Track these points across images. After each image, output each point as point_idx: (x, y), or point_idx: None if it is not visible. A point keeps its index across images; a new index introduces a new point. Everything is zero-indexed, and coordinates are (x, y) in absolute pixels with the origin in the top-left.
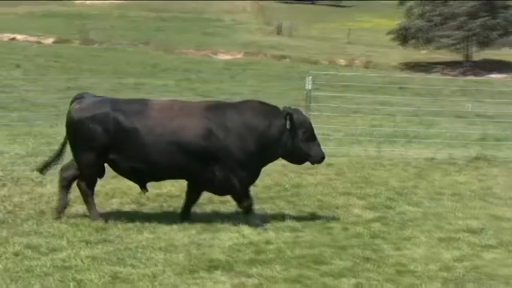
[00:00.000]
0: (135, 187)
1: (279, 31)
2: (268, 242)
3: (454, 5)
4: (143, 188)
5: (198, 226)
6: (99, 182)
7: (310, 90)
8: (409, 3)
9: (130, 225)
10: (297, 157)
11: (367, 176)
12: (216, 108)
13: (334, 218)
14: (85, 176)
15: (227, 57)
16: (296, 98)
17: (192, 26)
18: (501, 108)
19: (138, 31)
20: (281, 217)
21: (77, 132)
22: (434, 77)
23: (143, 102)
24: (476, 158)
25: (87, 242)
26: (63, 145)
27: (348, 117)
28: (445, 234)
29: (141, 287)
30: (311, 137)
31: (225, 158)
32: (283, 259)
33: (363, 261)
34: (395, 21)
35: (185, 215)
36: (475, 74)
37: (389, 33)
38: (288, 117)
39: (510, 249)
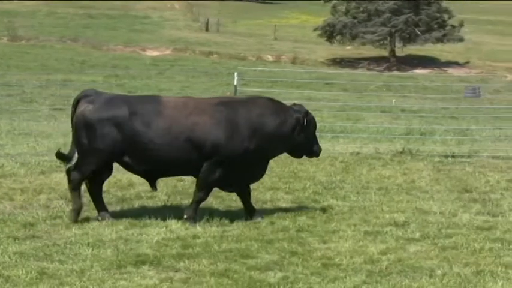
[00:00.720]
0: (64, 183)
1: (206, 28)
2: (195, 237)
3: (378, 2)
4: (153, 185)
5: (126, 221)
6: (27, 178)
7: (237, 86)
8: (333, 1)
9: (58, 221)
10: (300, 152)
11: (294, 171)
12: (228, 104)
13: (262, 213)
14: (84, 171)
15: (155, 53)
16: (224, 94)
17: (120, 23)
18: (425, 103)
19: (66, 28)
20: (209, 212)
21: (92, 132)
22: (360, 72)
23: (158, 100)
24: (401, 152)
25: (15, 238)
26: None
27: None
28: (371, 228)
29: (68, 283)
30: (314, 133)
31: (232, 153)
32: (211, 253)
33: (290, 255)
34: (322, 18)
35: None
36: (399, 70)
37: (315, 29)
38: (304, 116)
39: (434, 241)
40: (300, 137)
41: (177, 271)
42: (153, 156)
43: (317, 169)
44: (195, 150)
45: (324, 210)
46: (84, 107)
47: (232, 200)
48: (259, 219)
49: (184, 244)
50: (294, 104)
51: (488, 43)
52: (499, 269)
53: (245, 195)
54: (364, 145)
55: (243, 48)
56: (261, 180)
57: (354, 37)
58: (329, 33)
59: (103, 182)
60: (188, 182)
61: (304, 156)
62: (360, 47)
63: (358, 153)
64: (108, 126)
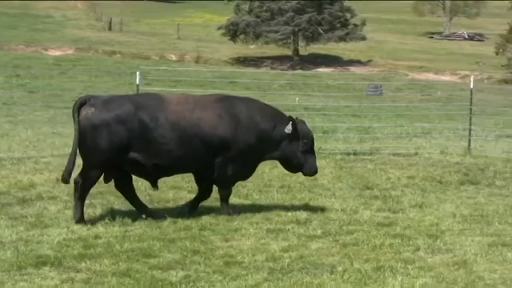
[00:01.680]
0: None
1: (109, 27)
2: (97, 237)
3: (281, 1)
4: (155, 185)
5: (27, 222)
6: None
7: (139, 85)
8: (237, 1)
9: None
10: (292, 165)
11: None
12: (227, 101)
13: (164, 212)
14: (91, 176)
15: (58, 53)
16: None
17: (21, 22)
18: (328, 101)
19: None
20: (111, 212)
21: (98, 134)
22: (264, 71)
23: (160, 98)
24: None
25: None
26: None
27: None
28: (273, 226)
29: None
30: (310, 149)
31: (231, 148)
32: (112, 253)
33: (192, 254)
34: (225, 17)
35: (192, 209)
36: (303, 68)
37: (219, 28)
38: (292, 124)
39: (335, 238)
40: (290, 148)
41: (78, 272)
42: (162, 152)
43: None
44: (202, 146)
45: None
46: (87, 111)
47: None
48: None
49: (86, 244)
50: (297, 118)
51: (390, 42)
52: (399, 264)
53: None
54: None
55: (146, 47)
56: (164, 179)
57: (257, 36)
58: (232, 32)
59: (131, 180)
60: None
61: None
62: (264, 46)
63: None
64: (115, 126)
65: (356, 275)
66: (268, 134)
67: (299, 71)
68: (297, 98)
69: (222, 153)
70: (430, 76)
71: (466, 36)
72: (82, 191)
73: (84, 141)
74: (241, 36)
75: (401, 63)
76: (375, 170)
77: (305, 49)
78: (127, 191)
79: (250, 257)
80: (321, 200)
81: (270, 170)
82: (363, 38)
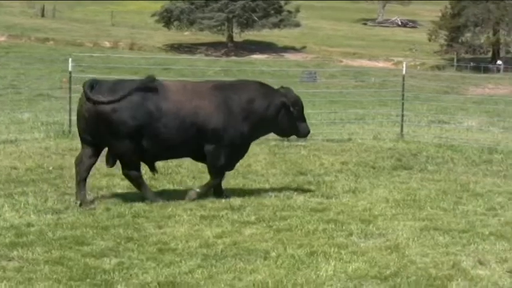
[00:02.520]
0: None
1: (42, 14)
2: (29, 225)
3: None
4: (153, 169)
5: None
6: None
7: (72, 72)
8: None
9: None
10: (286, 132)
11: None
12: (222, 87)
13: (97, 199)
14: (128, 163)
15: None
16: (60, 80)
17: None
18: None
19: None
20: (43, 199)
21: (113, 121)
22: (198, 57)
23: (161, 84)
24: None
25: None
26: None
27: None
28: (207, 212)
29: None
30: (301, 114)
31: (224, 133)
32: (45, 241)
33: (125, 241)
34: (159, 4)
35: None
36: (237, 55)
37: (153, 15)
38: (284, 99)
39: (269, 224)
40: (285, 119)
41: (10, 260)
42: (163, 139)
43: None
44: (196, 131)
45: (160, 195)
46: (95, 98)
47: (68, 188)
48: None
49: (18, 233)
50: (282, 87)
51: (324, 28)
52: (332, 249)
53: None
54: None
55: (79, 34)
56: (97, 166)
57: (191, 23)
58: (167, 19)
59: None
60: (21, 170)
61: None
62: (198, 33)
63: None
64: (126, 112)
65: (289, 261)
66: (263, 115)
67: (233, 58)
68: None
69: (212, 138)
70: (364, 62)
71: (400, 23)
72: (136, 181)
73: (90, 126)
74: (176, 23)
75: (336, 49)
76: (309, 156)
77: (239, 36)
78: (82, 171)
79: (184, 243)
80: (255, 186)
81: None
82: (297, 25)
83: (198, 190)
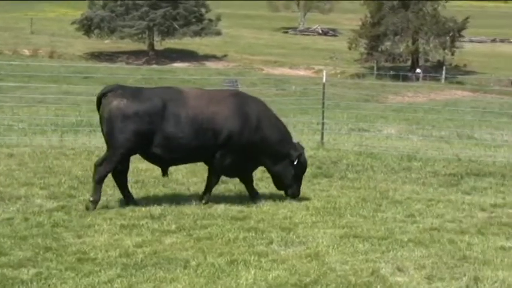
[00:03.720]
0: None
1: None
2: None
3: None
4: (166, 173)
5: None
6: None
7: None
8: None
9: None
10: (280, 183)
11: (50, 166)
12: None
13: (15, 209)
14: (113, 163)
15: None
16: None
17: None
18: None
19: None
20: None
21: (127, 124)
22: (119, 66)
23: (181, 91)
24: None
25: None
26: None
27: (32, 107)
28: (127, 221)
29: None
30: (300, 177)
31: (235, 141)
32: None
33: (44, 251)
34: (80, 11)
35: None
36: (158, 63)
37: (73, 23)
38: (298, 157)
39: (190, 233)
40: (283, 168)
41: None
42: (181, 145)
43: (73, 164)
44: (213, 137)
45: (80, 204)
46: (118, 102)
47: None
48: (262, 201)
49: None
50: (298, 144)
51: (246, 37)
52: (252, 257)
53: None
54: None
55: None
56: (15, 175)
57: (112, 31)
58: (87, 27)
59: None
60: None
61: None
62: (119, 41)
63: None
64: (143, 118)
65: (210, 269)
66: (272, 145)
67: (155, 66)
68: None
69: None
70: (285, 71)
71: (320, 32)
72: (100, 176)
73: (113, 129)
74: (96, 31)
75: (257, 58)
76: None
77: (160, 44)
78: (121, 180)
79: (104, 253)
80: (176, 194)
81: None
82: (218, 33)
83: (204, 200)
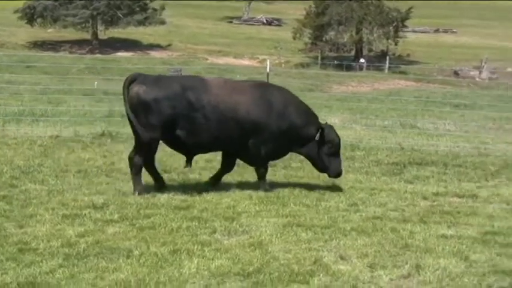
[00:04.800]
0: None
1: None
2: None
3: None
4: (189, 162)
5: None
6: None
7: None
8: None
9: None
10: (317, 165)
11: None
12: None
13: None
14: (145, 152)
15: None
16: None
17: None
18: None
19: None
20: None
21: (148, 111)
22: (62, 55)
23: (203, 79)
24: (101, 135)
25: None
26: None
27: None
28: (70, 211)
29: None
30: (336, 153)
31: (263, 131)
32: None
33: None
34: (22, 0)
35: (215, 182)
36: (102, 53)
37: (16, 11)
38: (320, 131)
39: (132, 222)
40: (315, 149)
41: None
42: (203, 132)
43: (15, 153)
44: (236, 126)
45: (21, 194)
46: (138, 89)
47: None
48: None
49: None
50: (326, 123)
51: (190, 26)
52: (195, 247)
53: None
54: (65, 128)
55: None
56: None
57: (55, 20)
58: (30, 15)
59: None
60: None
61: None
62: (62, 30)
63: (57, 137)
64: (164, 103)
65: (152, 259)
66: (298, 129)
67: (98, 55)
68: (96, 82)
69: (255, 135)
70: (230, 60)
71: (265, 21)
72: (136, 167)
73: (137, 117)
74: (39, 20)
75: (201, 47)
76: (173, 154)
77: (104, 33)
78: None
79: (45, 243)
80: (118, 184)
81: (66, 155)
82: (162, 22)
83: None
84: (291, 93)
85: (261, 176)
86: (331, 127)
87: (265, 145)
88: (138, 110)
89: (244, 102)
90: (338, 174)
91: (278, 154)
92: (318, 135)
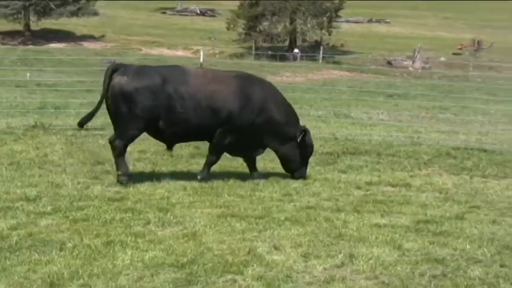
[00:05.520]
0: None
1: None
2: None
3: None
4: (170, 149)
5: None
6: None
7: None
8: None
9: None
10: (288, 165)
11: None
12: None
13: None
14: (126, 137)
15: None
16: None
17: None
18: (61, 77)
19: None
20: None
21: (130, 101)
22: None
23: (183, 70)
24: (34, 127)
25: None
26: (100, 104)
27: None
28: (2, 204)
29: None
30: (306, 158)
31: (235, 121)
32: None
33: None
34: None
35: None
36: (34, 44)
37: None
38: (303, 133)
39: (66, 214)
40: (291, 149)
41: None
42: (181, 122)
43: None
44: (213, 116)
45: None
46: (119, 78)
47: None
48: (261, 179)
49: None
50: (304, 126)
51: (123, 17)
52: (129, 238)
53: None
54: None
55: None
56: None
57: None
58: None
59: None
60: None
61: None
62: None
63: None
64: (145, 93)
65: (86, 251)
66: (278, 127)
67: (31, 47)
68: (28, 74)
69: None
70: (164, 51)
71: (199, 12)
72: (118, 150)
73: (117, 106)
74: None
75: (135, 38)
76: (107, 145)
77: (37, 24)
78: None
79: None
80: (51, 176)
81: None
82: (96, 14)
83: (199, 175)
84: (273, 88)
85: (209, 163)
86: (308, 132)
87: (231, 135)
88: (119, 100)
89: (221, 92)
90: (304, 177)
91: (247, 147)
92: (300, 137)
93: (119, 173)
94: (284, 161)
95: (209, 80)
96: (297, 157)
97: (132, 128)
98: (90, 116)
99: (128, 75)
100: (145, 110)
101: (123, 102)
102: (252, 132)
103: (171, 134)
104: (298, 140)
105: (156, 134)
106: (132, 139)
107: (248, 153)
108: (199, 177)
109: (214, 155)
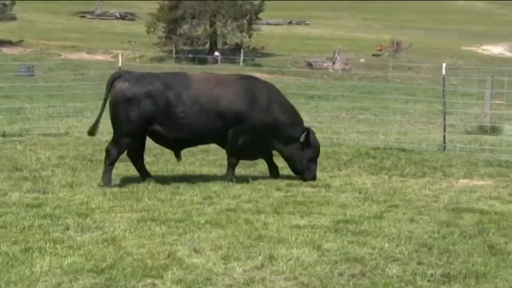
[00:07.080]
0: None
1: None
2: None
3: None
4: (178, 155)
5: None
6: None
7: None
8: None
9: None
10: (295, 167)
11: None
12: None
13: None
14: (121, 145)
15: None
16: None
17: None
18: None
19: None
20: None
21: (129, 107)
22: None
23: (186, 76)
24: None
25: None
26: (102, 110)
27: None
28: None
29: None
30: (314, 158)
31: (244, 123)
32: None
33: None
34: None
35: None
36: None
37: None
38: (306, 134)
39: None
40: (297, 150)
41: None
42: (184, 126)
43: None
44: (218, 119)
45: None
46: (120, 85)
47: None
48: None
49: None
50: (309, 128)
51: (41, 21)
52: (48, 245)
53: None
54: None
55: None
56: None
57: None
58: None
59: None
60: None
61: None
62: None
63: None
64: (145, 100)
65: (3, 258)
66: (283, 128)
67: None
68: None
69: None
70: (83, 55)
71: (118, 16)
72: (112, 158)
73: (117, 112)
74: None
75: (54, 43)
76: (25, 151)
77: None
78: (136, 159)
79: None
80: None
81: None
82: (13, 18)
83: (227, 179)
84: (276, 90)
85: (231, 165)
86: (313, 132)
87: (243, 136)
88: (120, 105)
89: (227, 94)
90: (313, 178)
91: (256, 149)
92: (303, 136)
93: (101, 183)
94: (290, 163)
95: (213, 83)
96: (302, 158)
97: (130, 135)
98: (96, 124)
99: (129, 81)
100: (145, 116)
101: (124, 109)
102: (262, 132)
103: (174, 140)
104: (302, 139)
105: (160, 141)
106: (128, 146)
107: (262, 155)
108: (227, 179)
109: (232, 157)
